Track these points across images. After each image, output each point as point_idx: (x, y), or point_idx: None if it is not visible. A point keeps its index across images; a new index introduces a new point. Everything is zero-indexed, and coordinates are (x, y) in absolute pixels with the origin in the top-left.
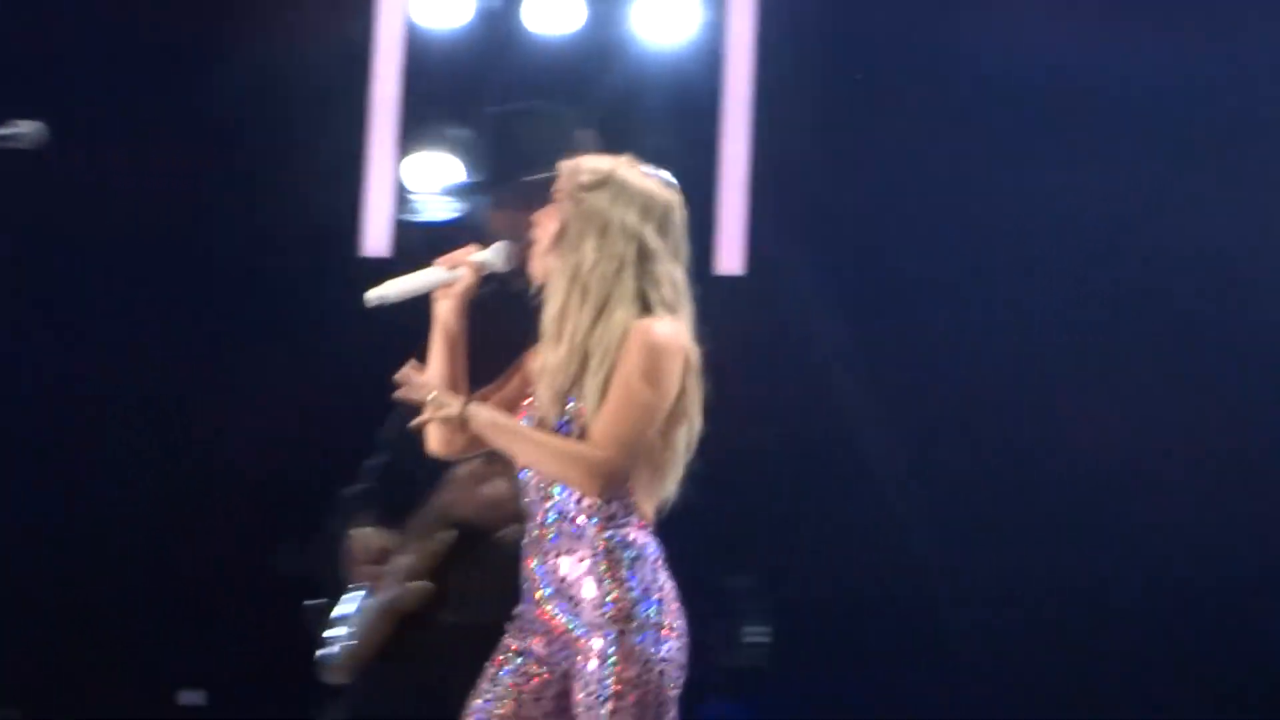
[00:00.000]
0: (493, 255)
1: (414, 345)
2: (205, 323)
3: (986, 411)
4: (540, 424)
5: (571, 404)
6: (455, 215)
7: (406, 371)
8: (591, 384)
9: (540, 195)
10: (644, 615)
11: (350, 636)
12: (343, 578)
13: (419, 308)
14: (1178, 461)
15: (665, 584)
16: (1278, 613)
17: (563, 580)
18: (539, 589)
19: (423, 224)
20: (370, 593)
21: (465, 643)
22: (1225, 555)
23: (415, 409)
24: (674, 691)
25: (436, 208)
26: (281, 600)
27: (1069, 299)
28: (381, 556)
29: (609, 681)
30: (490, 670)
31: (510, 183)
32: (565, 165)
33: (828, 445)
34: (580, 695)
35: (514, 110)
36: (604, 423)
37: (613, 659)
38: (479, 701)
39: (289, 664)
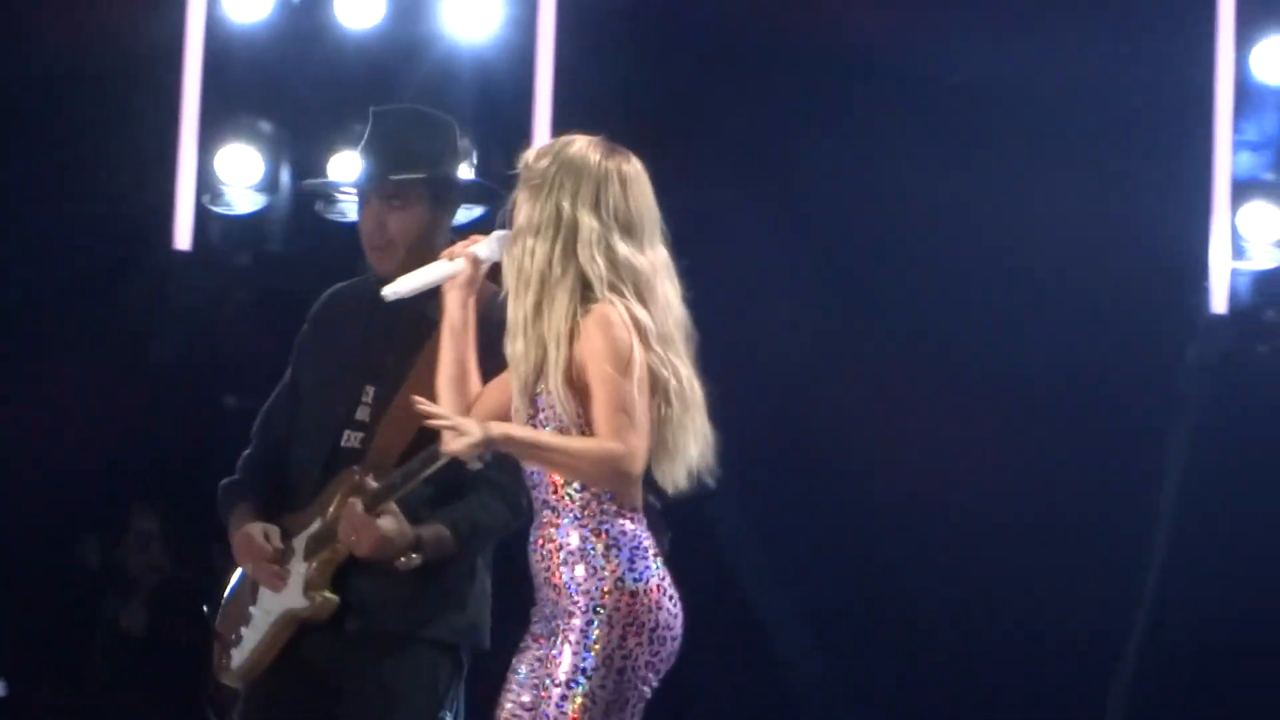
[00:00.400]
0: (488, 247)
1: (220, 340)
2: (12, 316)
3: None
4: (515, 414)
5: (540, 398)
6: (262, 207)
7: (432, 411)
8: (555, 376)
9: (409, 193)
10: (614, 606)
11: (245, 643)
12: (220, 571)
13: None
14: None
15: (650, 576)
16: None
17: (547, 568)
18: (534, 579)
19: (231, 217)
20: (260, 596)
21: (363, 650)
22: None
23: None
24: (641, 689)
25: (244, 200)
26: (81, 592)
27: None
28: (277, 556)
29: (571, 671)
30: (513, 663)
31: (380, 179)
32: (527, 152)
33: None
34: (544, 675)
35: (395, 110)
36: (605, 420)
37: (576, 645)
38: (504, 696)
39: (91, 654)
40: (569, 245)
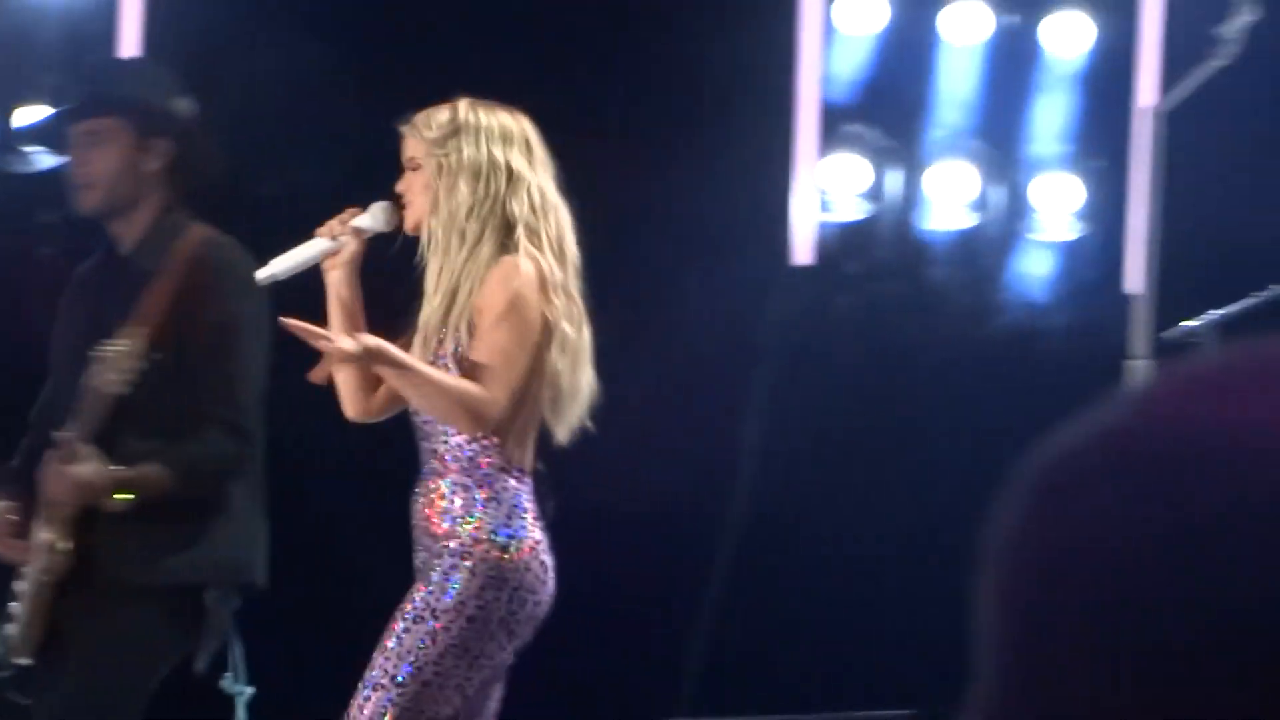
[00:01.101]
0: (372, 218)
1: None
2: None
3: None
4: None
5: (441, 343)
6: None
7: (302, 327)
8: (459, 319)
9: (97, 124)
10: (481, 556)
11: (16, 618)
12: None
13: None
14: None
15: (524, 535)
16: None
17: (426, 516)
18: (414, 530)
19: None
20: (24, 570)
21: (106, 603)
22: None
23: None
24: (489, 646)
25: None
26: None
27: None
28: (18, 529)
29: (421, 606)
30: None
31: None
32: (412, 125)
33: None
34: (397, 613)
35: (93, 59)
36: (482, 365)
37: (433, 585)
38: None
39: None
40: (502, 192)
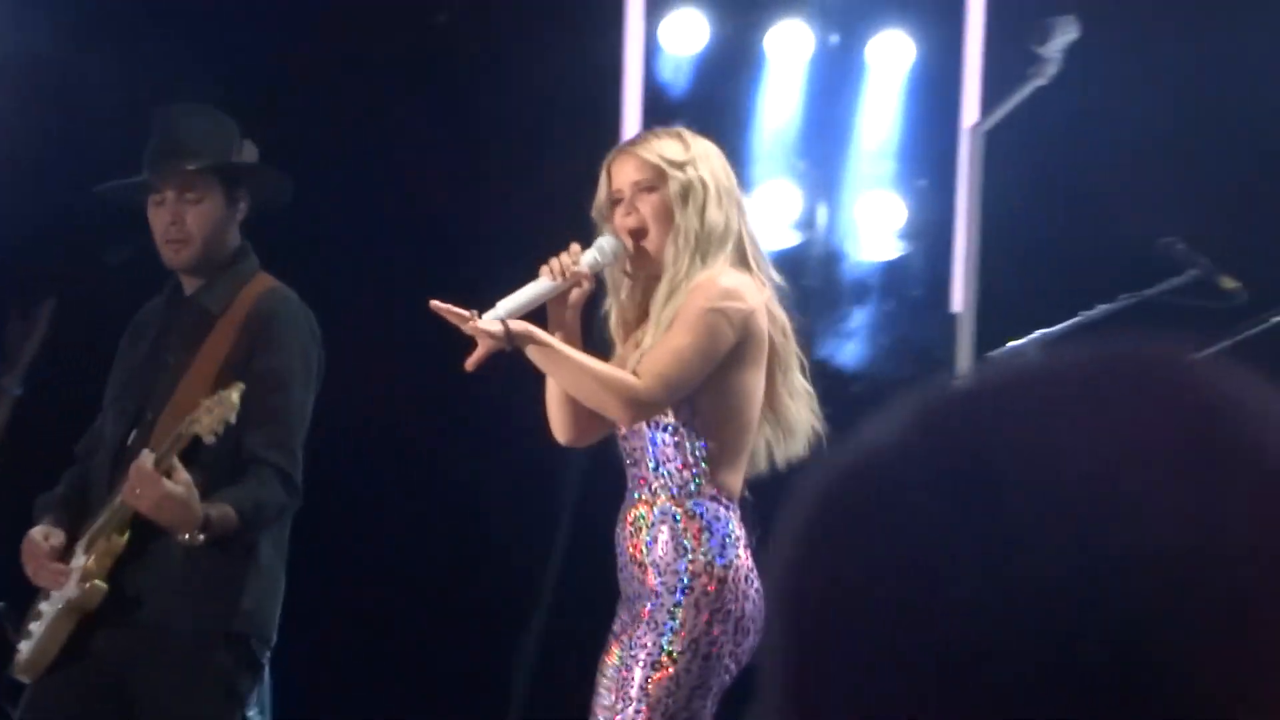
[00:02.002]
0: (600, 254)
1: None
2: None
3: None
4: None
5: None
6: None
7: (446, 309)
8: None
9: (194, 181)
10: (702, 589)
11: (33, 637)
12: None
13: None
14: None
15: (739, 565)
16: None
17: (634, 545)
18: (619, 557)
19: None
20: (51, 592)
21: (153, 645)
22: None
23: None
24: (724, 678)
25: None
26: None
27: None
28: (56, 554)
29: (655, 651)
30: (599, 664)
31: (167, 171)
32: (634, 149)
33: None
34: (628, 658)
35: (175, 106)
36: (651, 358)
37: (661, 626)
38: (594, 700)
39: None
40: (736, 218)
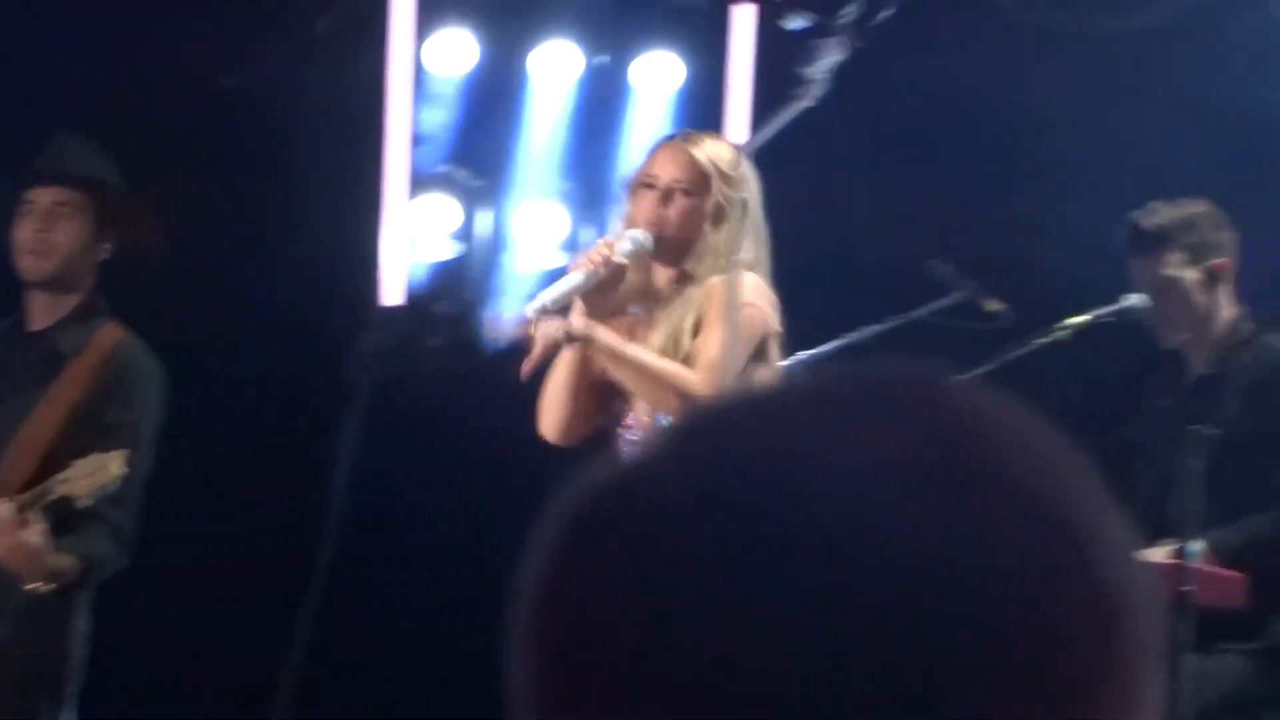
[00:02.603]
0: (634, 243)
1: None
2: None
3: None
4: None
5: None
6: None
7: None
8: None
9: (70, 195)
10: None
11: None
12: None
13: None
14: None
15: None
16: None
17: None
18: None
19: None
20: None
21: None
22: None
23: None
24: None
25: None
26: None
27: None
28: None
29: None
30: None
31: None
32: (690, 145)
33: None
34: None
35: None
36: (703, 349)
37: None
38: None
39: None
40: (765, 248)
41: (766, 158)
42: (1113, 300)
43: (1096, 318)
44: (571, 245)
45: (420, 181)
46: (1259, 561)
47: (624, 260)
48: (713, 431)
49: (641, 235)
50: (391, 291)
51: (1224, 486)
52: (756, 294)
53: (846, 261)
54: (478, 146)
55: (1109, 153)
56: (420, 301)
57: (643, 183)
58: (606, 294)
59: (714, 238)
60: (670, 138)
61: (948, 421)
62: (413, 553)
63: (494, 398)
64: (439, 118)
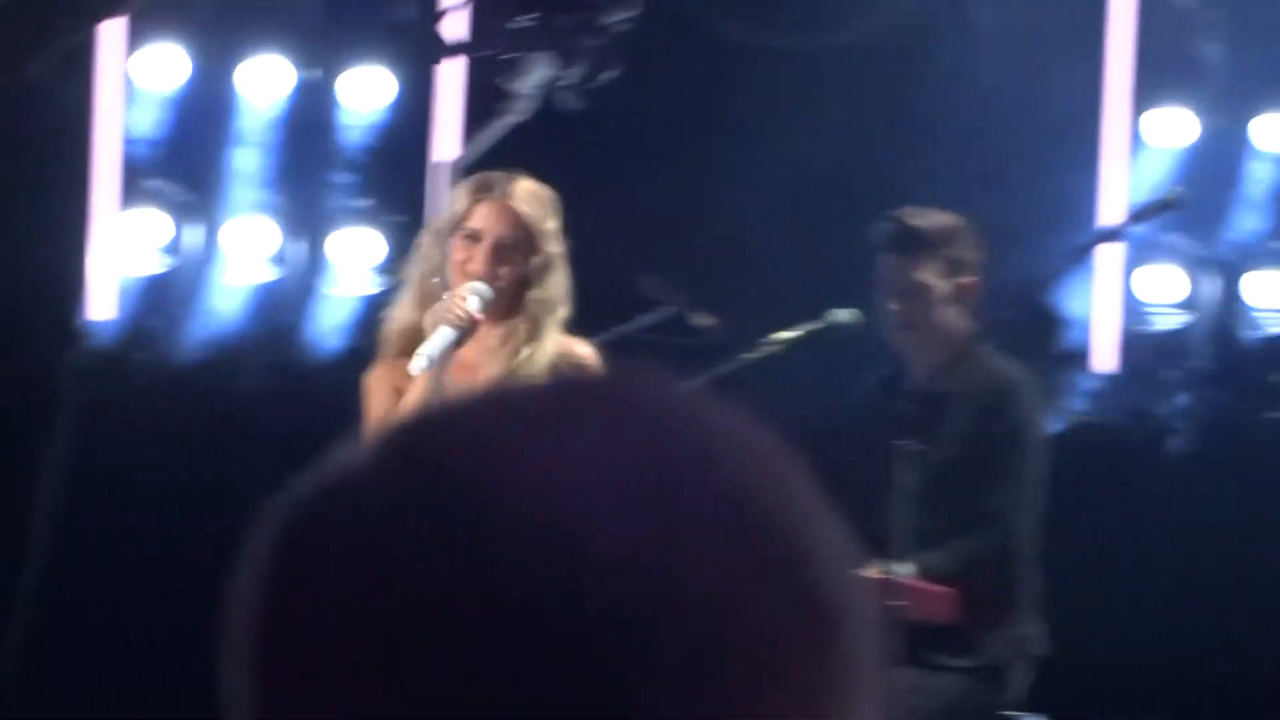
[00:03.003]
0: (480, 298)
1: None
2: None
3: None
4: None
5: None
6: None
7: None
8: None
9: None
10: None
11: None
12: None
13: None
14: None
15: None
16: None
17: None
18: None
19: None
20: None
21: None
22: None
23: None
24: None
25: None
26: None
27: None
28: None
29: None
30: None
31: None
32: (513, 201)
33: None
34: None
35: None
36: None
37: None
38: None
39: None
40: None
41: (475, 169)
42: (820, 315)
43: (806, 332)
44: (280, 260)
45: (130, 195)
46: (970, 580)
47: (478, 315)
48: (432, 436)
49: (483, 287)
50: (100, 306)
51: (936, 505)
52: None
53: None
54: (187, 161)
55: (818, 168)
56: (129, 316)
57: (465, 234)
58: (460, 346)
59: (539, 293)
60: (488, 190)
61: (660, 426)
62: (125, 565)
63: (203, 412)
64: (149, 132)
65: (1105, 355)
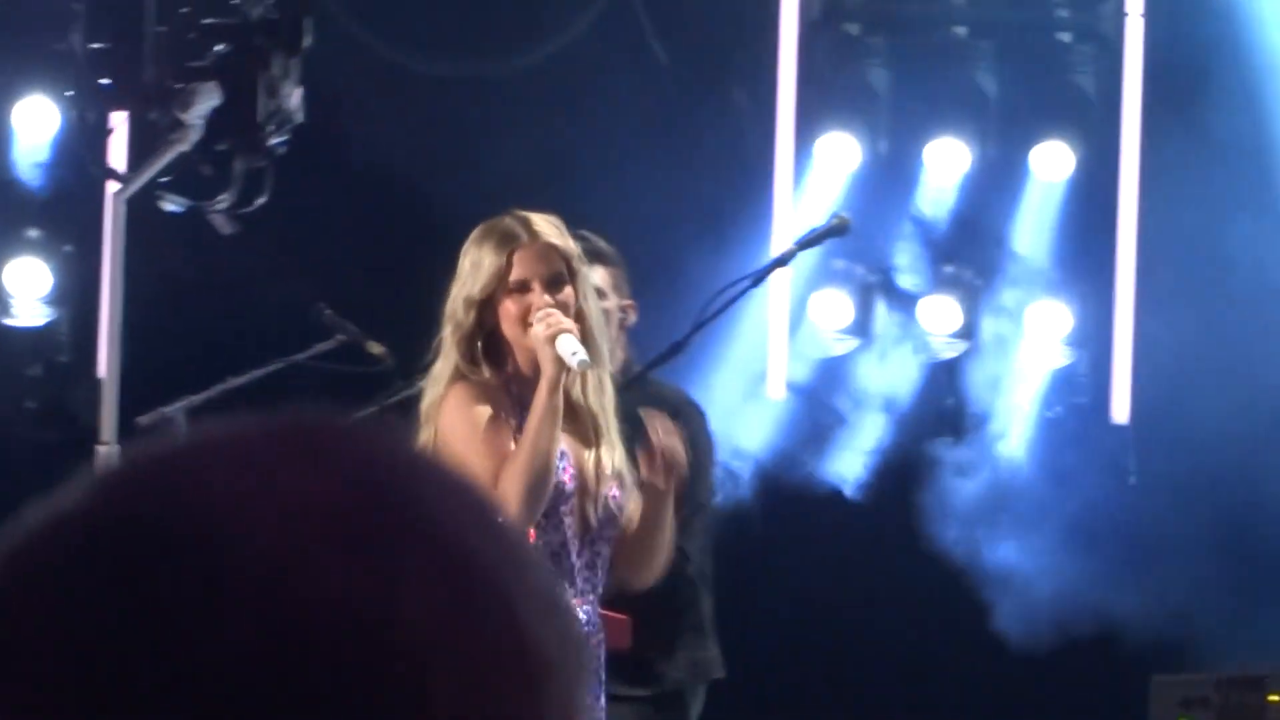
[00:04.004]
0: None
1: None
2: None
3: None
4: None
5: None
6: None
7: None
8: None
9: None
10: None
11: None
12: None
13: None
14: None
15: None
16: None
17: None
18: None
19: None
20: None
21: None
22: None
23: None
24: None
25: None
26: None
27: None
28: None
29: None
30: None
31: None
32: (549, 235)
33: None
34: None
35: None
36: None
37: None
38: None
39: None
40: None
41: (143, 199)
42: None
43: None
44: None
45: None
46: (644, 606)
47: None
48: (127, 486)
49: (574, 343)
50: None
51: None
52: None
53: (230, 304)
54: None
55: (490, 193)
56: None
57: (511, 289)
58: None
59: (598, 311)
60: (514, 238)
61: (374, 474)
62: None
63: None
64: None
65: (776, 382)
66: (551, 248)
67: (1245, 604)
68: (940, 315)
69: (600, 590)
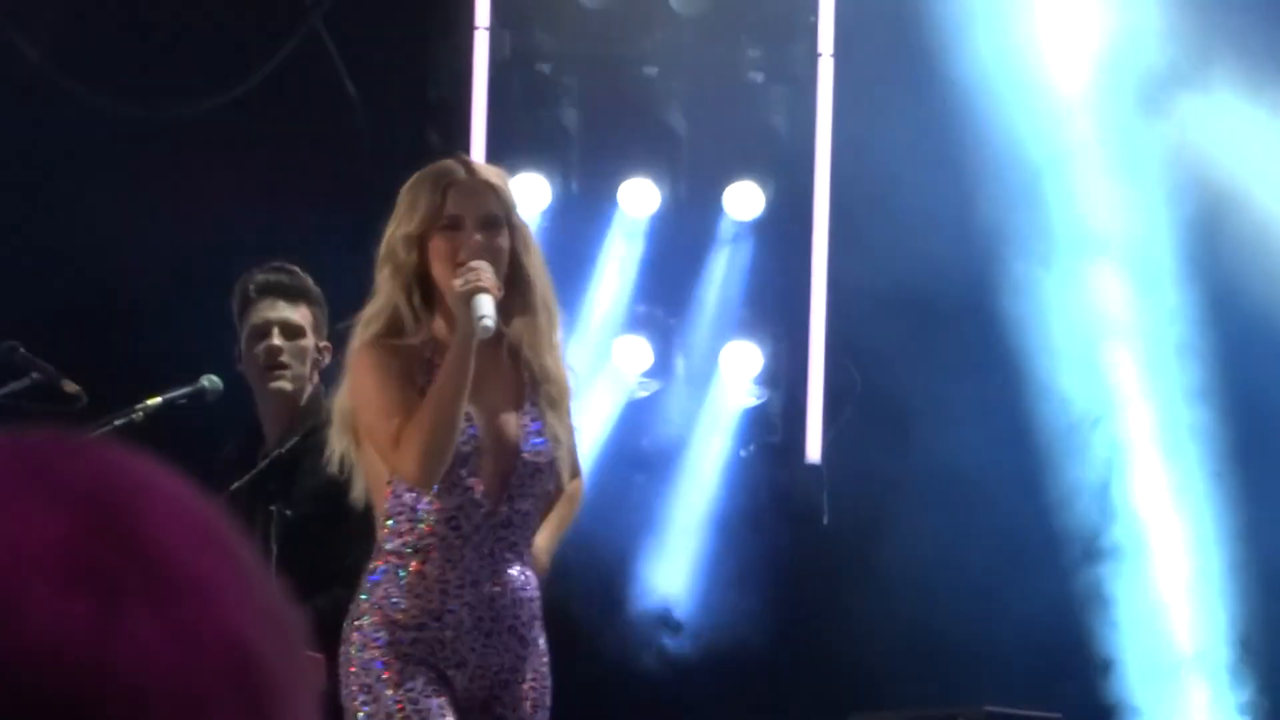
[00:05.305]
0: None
1: None
2: None
3: None
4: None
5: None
6: None
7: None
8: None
9: None
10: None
11: None
12: None
13: None
14: None
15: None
16: None
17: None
18: (491, 623)
19: None
20: None
21: None
22: None
23: None
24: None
25: None
26: None
27: None
28: None
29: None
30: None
31: None
32: (486, 177)
33: None
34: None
35: None
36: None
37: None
38: None
39: None
40: None
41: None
42: (194, 380)
43: (170, 399)
44: None
45: None
46: (333, 639)
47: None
48: None
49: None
50: None
51: (298, 565)
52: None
53: None
54: None
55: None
56: None
57: (444, 225)
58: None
59: (537, 268)
60: (452, 175)
61: (97, 496)
62: None
63: None
64: None
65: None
66: (489, 186)
67: (935, 644)
68: (633, 354)
69: (528, 544)
